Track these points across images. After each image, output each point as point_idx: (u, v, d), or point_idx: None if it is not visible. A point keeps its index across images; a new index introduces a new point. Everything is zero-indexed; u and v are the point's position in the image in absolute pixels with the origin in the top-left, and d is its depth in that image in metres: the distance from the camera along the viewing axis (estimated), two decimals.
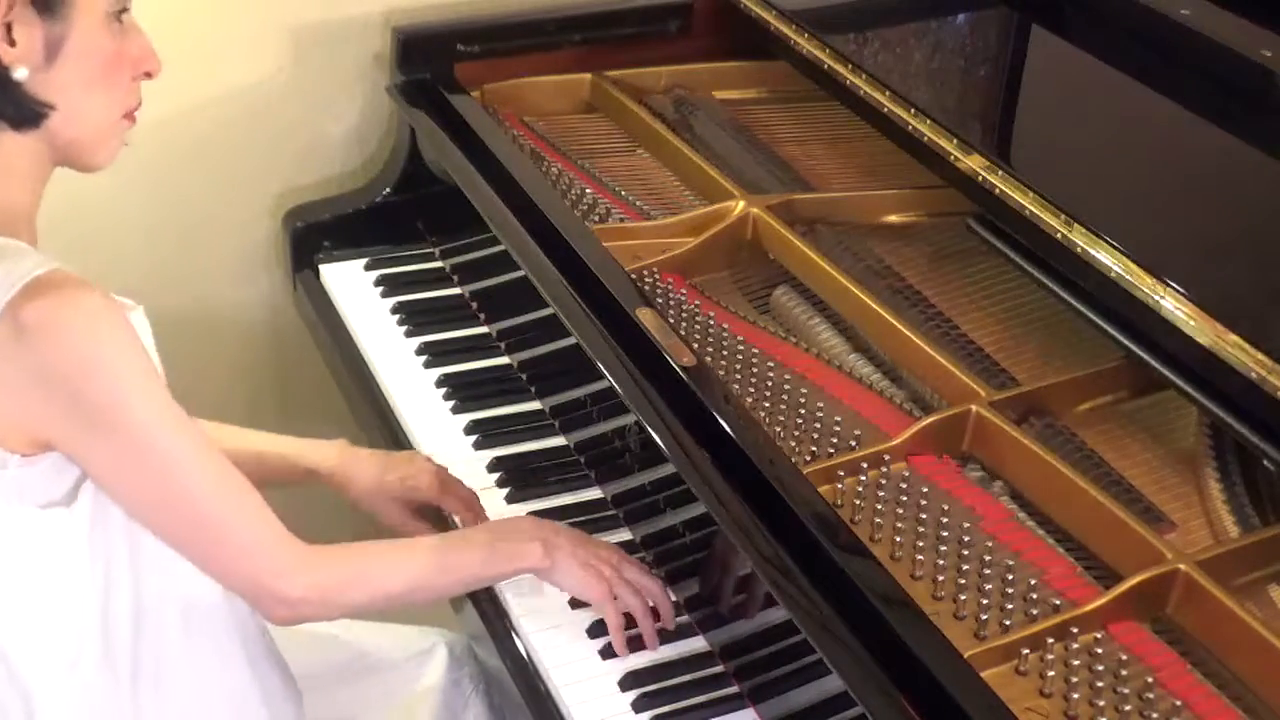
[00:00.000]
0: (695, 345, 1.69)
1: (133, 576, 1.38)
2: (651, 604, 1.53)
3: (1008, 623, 1.39)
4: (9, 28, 1.25)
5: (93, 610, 1.37)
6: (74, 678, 1.38)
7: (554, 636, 1.56)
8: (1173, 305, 1.47)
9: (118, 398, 1.27)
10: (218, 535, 1.34)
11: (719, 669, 1.53)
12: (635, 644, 1.54)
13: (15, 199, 1.34)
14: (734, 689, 1.50)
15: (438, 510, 1.70)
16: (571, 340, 1.72)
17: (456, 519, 1.68)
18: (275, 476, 1.65)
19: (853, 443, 1.58)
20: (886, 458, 1.55)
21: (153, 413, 1.29)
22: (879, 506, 1.50)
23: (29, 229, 1.36)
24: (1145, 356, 1.55)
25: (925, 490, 1.52)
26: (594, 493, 1.75)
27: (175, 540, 1.35)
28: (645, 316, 1.65)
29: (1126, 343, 1.57)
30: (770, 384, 1.68)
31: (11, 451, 1.29)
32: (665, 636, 1.55)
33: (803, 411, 1.64)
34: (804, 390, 1.67)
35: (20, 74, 1.27)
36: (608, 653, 1.53)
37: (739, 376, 1.69)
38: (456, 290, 2.10)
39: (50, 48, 1.28)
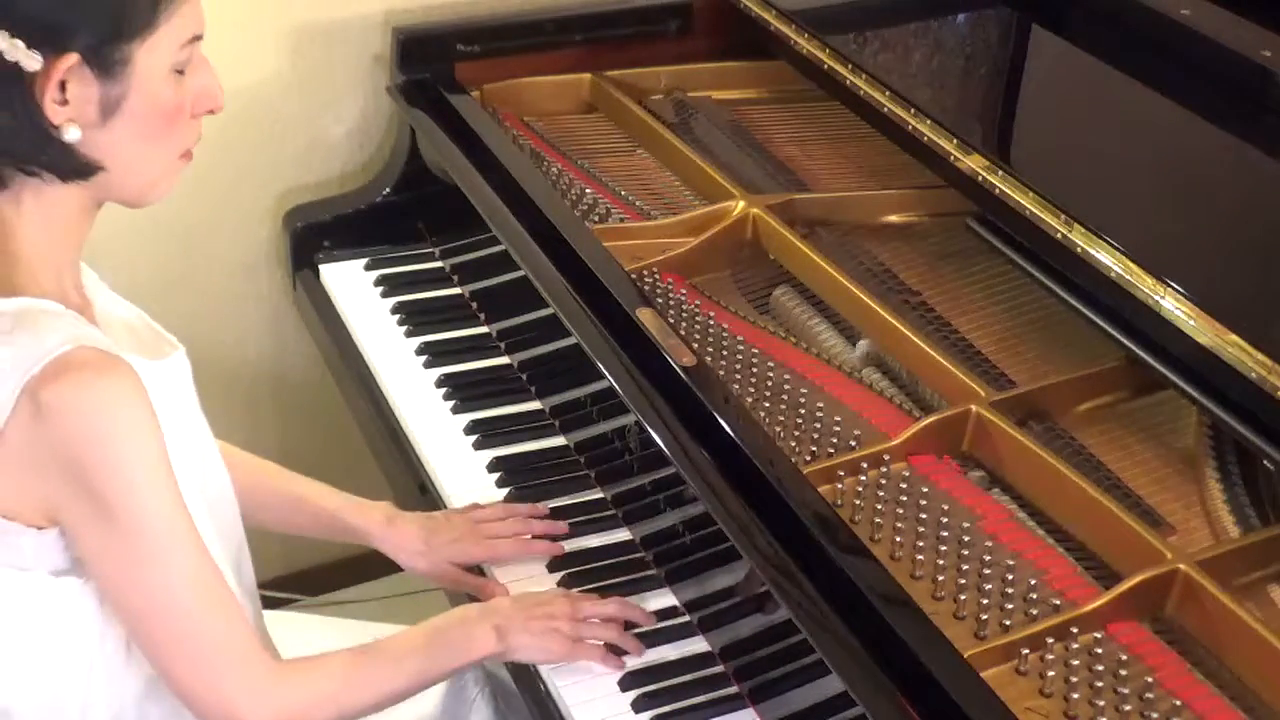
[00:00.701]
0: (695, 345, 1.69)
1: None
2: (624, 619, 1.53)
3: (1008, 623, 1.39)
4: (63, 86, 1.21)
5: (103, 679, 1.36)
6: None
7: None
8: (1173, 305, 1.47)
9: (121, 492, 1.24)
10: (196, 655, 1.30)
11: (719, 669, 1.52)
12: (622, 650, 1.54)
13: (61, 246, 1.31)
14: (734, 689, 1.50)
15: None
16: (571, 340, 1.72)
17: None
18: (311, 525, 1.65)
19: (853, 443, 1.58)
20: (886, 458, 1.55)
21: (154, 515, 1.26)
22: (879, 506, 1.50)
23: (72, 273, 1.33)
24: (1145, 356, 1.55)
25: (925, 490, 1.52)
26: (594, 493, 1.75)
27: (149, 647, 1.31)
28: (645, 316, 1.65)
29: (1126, 343, 1.57)
30: (770, 384, 1.68)
31: (26, 525, 1.27)
32: (665, 636, 1.55)
33: (803, 411, 1.64)
34: (804, 390, 1.67)
35: (72, 135, 1.23)
36: (608, 653, 1.53)
37: (739, 376, 1.69)
38: (456, 290, 2.10)
39: (106, 109, 1.24)
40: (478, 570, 1.66)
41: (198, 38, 1.29)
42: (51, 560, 1.30)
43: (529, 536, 1.67)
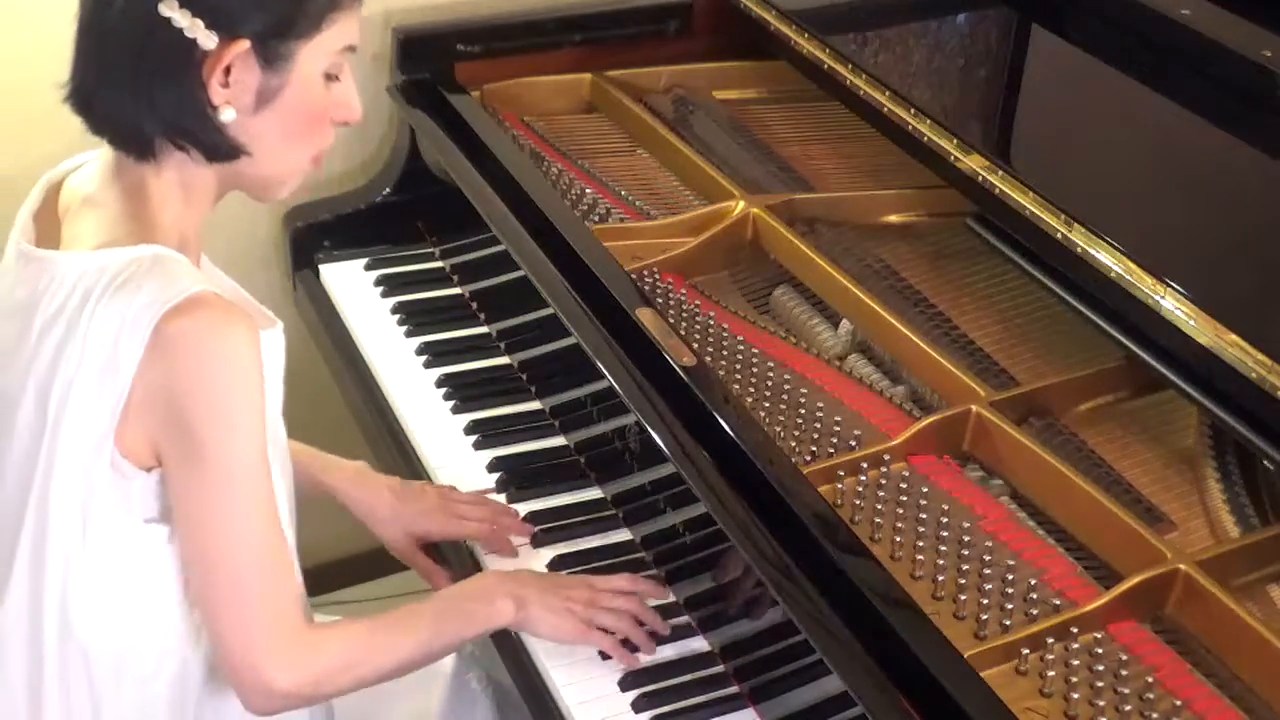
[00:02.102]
0: (695, 345, 1.69)
1: None
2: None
3: (1008, 623, 1.39)
4: (229, 70, 1.28)
5: (180, 629, 1.39)
6: (144, 692, 1.39)
7: None
8: (1173, 305, 1.47)
9: (217, 434, 1.28)
10: (240, 608, 1.33)
11: (719, 669, 1.53)
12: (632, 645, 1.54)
13: (187, 219, 1.37)
14: (734, 689, 1.50)
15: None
16: (571, 340, 1.72)
17: (479, 549, 1.67)
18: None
19: (853, 443, 1.58)
20: (886, 458, 1.55)
21: (240, 461, 1.29)
22: (879, 506, 1.51)
23: (195, 246, 1.39)
24: (1145, 356, 1.55)
25: (925, 490, 1.52)
26: (594, 493, 1.75)
27: (201, 590, 1.35)
28: (645, 316, 1.65)
29: (1126, 343, 1.57)
30: (770, 384, 1.68)
31: (138, 467, 1.31)
32: (665, 636, 1.55)
33: (803, 411, 1.64)
34: (804, 390, 1.67)
35: (228, 115, 1.30)
36: (620, 645, 1.53)
37: (739, 376, 1.69)
38: (456, 290, 2.10)
39: (262, 97, 1.31)
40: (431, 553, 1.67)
41: (351, 48, 1.36)
42: (148, 506, 1.34)
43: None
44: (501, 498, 1.74)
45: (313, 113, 1.35)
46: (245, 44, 1.27)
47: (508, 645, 1.58)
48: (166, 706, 1.41)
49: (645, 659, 1.52)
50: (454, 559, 1.69)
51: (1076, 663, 1.34)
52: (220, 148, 1.32)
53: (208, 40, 1.26)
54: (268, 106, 1.32)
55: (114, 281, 1.27)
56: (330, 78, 1.35)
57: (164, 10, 1.24)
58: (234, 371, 1.28)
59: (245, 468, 1.30)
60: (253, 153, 1.34)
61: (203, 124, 1.30)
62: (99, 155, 1.40)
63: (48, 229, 1.38)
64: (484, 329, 2.03)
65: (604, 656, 1.53)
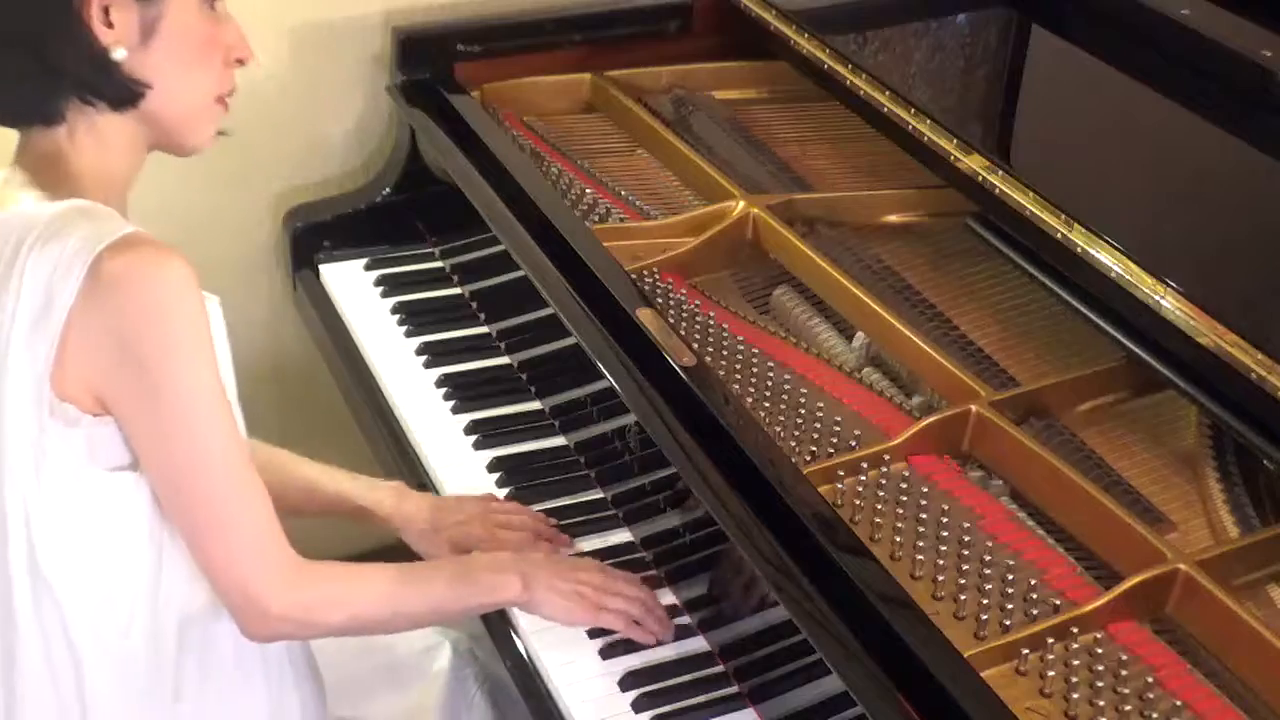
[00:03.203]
0: (695, 345, 1.69)
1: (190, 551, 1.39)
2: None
3: (1008, 623, 1.39)
4: (106, 10, 1.29)
5: (146, 580, 1.39)
6: (124, 646, 1.39)
7: (554, 636, 1.56)
8: (1173, 305, 1.47)
9: (168, 364, 1.29)
10: (221, 530, 1.34)
11: (719, 669, 1.53)
12: (632, 645, 1.54)
13: (113, 170, 1.38)
14: (734, 689, 1.50)
15: None
16: (571, 340, 1.72)
17: None
18: (324, 508, 1.66)
19: (853, 443, 1.58)
20: (886, 458, 1.55)
21: (196, 389, 1.30)
22: (879, 506, 1.50)
23: (121, 201, 1.40)
24: (1145, 356, 1.55)
25: (925, 490, 1.52)
26: (594, 493, 1.75)
27: (181, 524, 1.36)
28: (645, 316, 1.65)
29: (1126, 343, 1.57)
30: (770, 384, 1.68)
31: (83, 411, 1.31)
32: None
33: (803, 411, 1.64)
34: (804, 390, 1.67)
35: (119, 54, 1.31)
36: (608, 652, 1.53)
37: (739, 376, 1.69)
38: (456, 290, 2.10)
39: (145, 28, 1.32)
40: None
41: None
42: (108, 455, 1.34)
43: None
44: (502, 497, 1.74)
45: (200, 39, 1.37)
46: None
47: (508, 645, 1.59)
48: (145, 665, 1.40)
49: (640, 660, 1.52)
50: None
51: (1076, 663, 1.34)
52: (121, 90, 1.34)
53: None
54: (154, 37, 1.33)
55: (45, 232, 1.28)
56: (209, 3, 1.37)
57: None
58: (177, 303, 1.29)
59: (201, 394, 1.31)
60: (154, 85, 1.35)
61: (98, 68, 1.32)
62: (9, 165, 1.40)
63: None
64: (484, 329, 2.03)
65: (591, 635, 1.52)
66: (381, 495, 1.67)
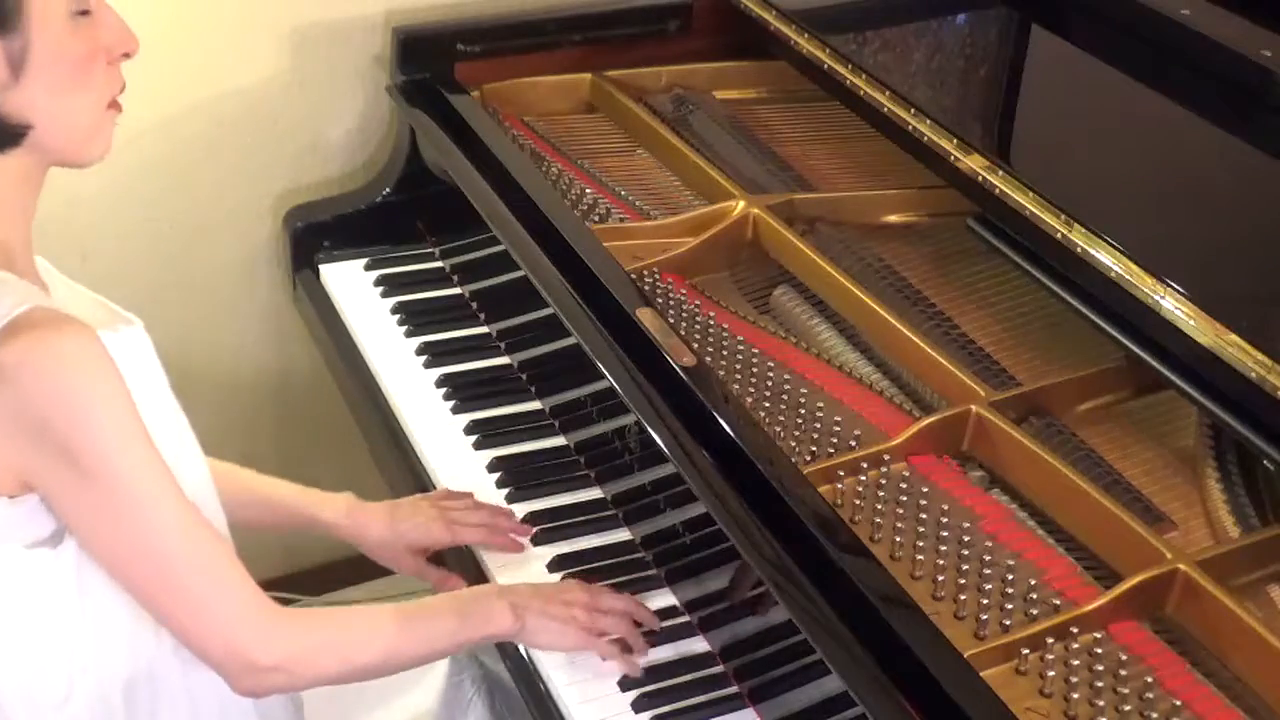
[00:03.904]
0: (695, 345, 1.69)
1: (128, 613, 1.35)
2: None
3: (1008, 623, 1.39)
4: None
5: (80, 649, 1.35)
6: (64, 714, 1.36)
7: None
8: (1173, 305, 1.47)
9: (94, 445, 1.23)
10: (190, 597, 1.29)
11: (719, 669, 1.53)
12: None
13: (6, 210, 1.30)
14: (734, 689, 1.50)
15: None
16: (571, 340, 1.72)
17: (480, 552, 1.66)
18: (284, 523, 1.65)
19: (853, 443, 1.58)
20: (886, 458, 1.55)
21: (130, 463, 1.25)
22: (879, 506, 1.50)
23: (23, 250, 1.32)
24: (1145, 356, 1.55)
25: (925, 490, 1.52)
26: (594, 493, 1.75)
27: (145, 598, 1.31)
28: (645, 316, 1.65)
29: (1126, 343, 1.57)
30: (770, 384, 1.68)
31: (2, 495, 1.27)
32: (665, 636, 1.55)
33: (803, 411, 1.64)
34: (804, 390, 1.67)
35: None
36: (622, 651, 1.53)
37: (739, 376, 1.69)
38: (456, 290, 2.10)
39: (13, 64, 1.22)
40: (438, 562, 1.65)
41: None
42: (25, 532, 1.30)
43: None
44: (501, 497, 1.74)
45: (76, 58, 1.25)
46: None
47: (508, 645, 1.58)
48: None
49: (642, 660, 1.52)
50: (455, 564, 1.69)
51: (1076, 663, 1.34)
52: (1, 133, 1.25)
53: None
54: (25, 71, 1.22)
55: None
56: (80, 14, 1.25)
57: None
58: (86, 381, 1.22)
59: (133, 468, 1.25)
60: (34, 124, 1.25)
61: None
62: None
63: None
64: (484, 329, 2.03)
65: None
66: (335, 509, 1.65)
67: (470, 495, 1.71)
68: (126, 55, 1.31)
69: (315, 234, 2.20)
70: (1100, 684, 1.33)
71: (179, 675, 1.39)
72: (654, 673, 1.51)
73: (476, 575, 1.66)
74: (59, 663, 1.35)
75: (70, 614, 1.34)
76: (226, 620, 1.31)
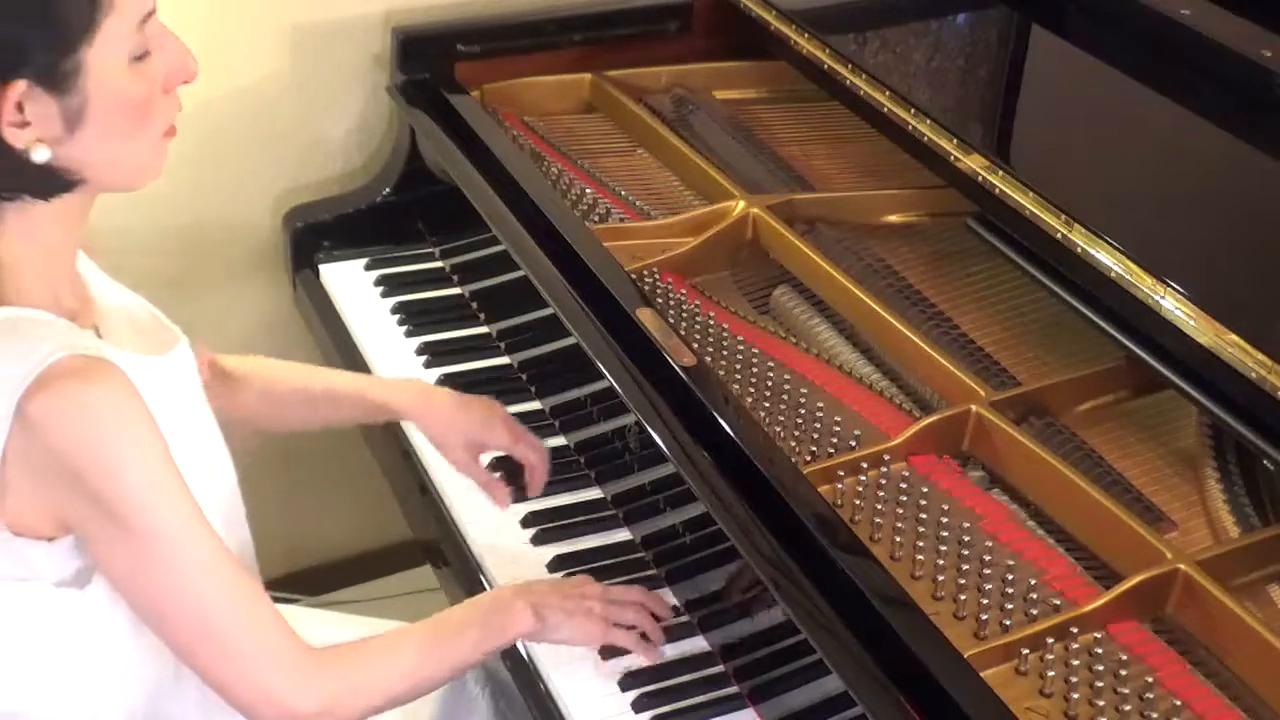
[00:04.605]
0: (695, 345, 1.69)
1: (152, 657, 1.35)
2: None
3: (1008, 623, 1.39)
4: (20, 107, 1.17)
5: (113, 687, 1.35)
6: None
7: None
8: (1173, 305, 1.47)
9: (124, 494, 1.21)
10: (227, 647, 1.28)
11: (719, 669, 1.53)
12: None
13: (44, 259, 1.28)
14: (734, 689, 1.50)
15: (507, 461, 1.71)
16: (571, 340, 1.72)
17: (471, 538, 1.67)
18: (346, 412, 1.66)
19: (853, 443, 1.58)
20: (886, 458, 1.55)
21: (164, 513, 1.24)
22: (879, 506, 1.50)
23: (67, 279, 1.32)
24: (1145, 356, 1.55)
25: (925, 490, 1.52)
26: (594, 493, 1.75)
27: (180, 646, 1.30)
28: (645, 316, 1.65)
29: (1126, 343, 1.57)
30: (770, 384, 1.68)
31: (36, 538, 1.26)
32: (665, 636, 1.55)
33: (803, 411, 1.64)
34: (804, 390, 1.67)
35: (40, 156, 1.19)
36: (608, 652, 1.53)
37: (739, 376, 1.69)
38: (456, 290, 2.10)
39: (69, 119, 1.20)
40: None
41: (150, 15, 1.22)
42: (55, 571, 1.29)
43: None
44: None
45: (135, 105, 1.22)
46: (21, 84, 1.16)
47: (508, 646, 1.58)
48: None
49: (638, 661, 1.52)
50: (459, 566, 1.69)
51: (1076, 663, 1.34)
52: (48, 184, 1.22)
53: None
54: (81, 126, 1.20)
55: None
56: (139, 59, 1.22)
57: None
58: (114, 432, 1.21)
59: (166, 515, 1.24)
60: (88, 176, 1.24)
61: (17, 171, 1.20)
62: None
63: None
64: (484, 329, 2.03)
65: (602, 652, 1.53)
66: (403, 388, 1.67)
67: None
68: (185, 81, 1.28)
69: (315, 234, 2.20)
70: (1100, 684, 1.33)
71: (196, 713, 1.39)
72: (654, 673, 1.51)
73: (474, 584, 1.66)
74: (87, 699, 1.35)
75: (98, 652, 1.34)
76: (264, 670, 1.29)
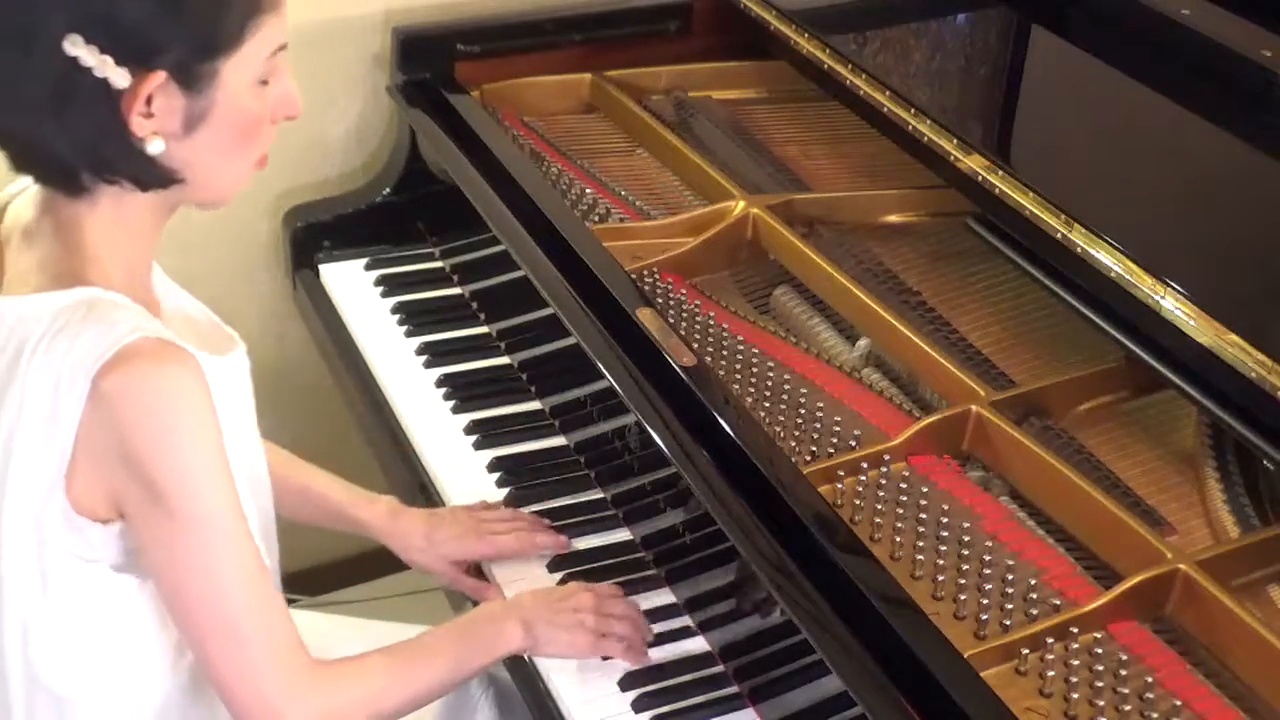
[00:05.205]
0: (695, 345, 1.69)
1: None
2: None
3: (1008, 623, 1.39)
4: (150, 99, 1.22)
5: (155, 677, 1.37)
6: None
7: None
8: (1173, 305, 1.47)
9: (177, 480, 1.24)
10: (239, 645, 1.30)
11: (719, 669, 1.53)
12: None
13: (130, 250, 1.32)
14: (734, 689, 1.50)
15: None
16: (571, 340, 1.72)
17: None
18: (320, 518, 1.66)
19: (853, 443, 1.58)
20: (886, 458, 1.55)
21: (210, 504, 1.26)
22: (879, 506, 1.50)
23: (144, 272, 1.35)
24: (1145, 356, 1.55)
25: (925, 490, 1.52)
26: (594, 493, 1.75)
27: (194, 637, 1.32)
28: (645, 316, 1.65)
29: (1126, 343, 1.57)
30: (770, 384, 1.68)
31: (94, 520, 1.28)
32: (665, 636, 1.55)
33: (803, 411, 1.64)
34: (804, 390, 1.67)
35: (155, 148, 1.24)
36: (630, 647, 1.53)
37: (739, 376, 1.69)
38: (456, 290, 2.10)
39: (190, 120, 1.25)
40: (477, 571, 1.66)
41: (282, 48, 1.30)
42: (113, 554, 1.31)
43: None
44: (501, 497, 1.74)
45: (247, 124, 1.29)
46: (161, 75, 1.21)
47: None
48: None
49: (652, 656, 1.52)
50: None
51: (1076, 663, 1.34)
52: (152, 177, 1.27)
53: (119, 79, 1.19)
54: (198, 128, 1.26)
55: (49, 331, 1.24)
56: (263, 84, 1.29)
57: (69, 49, 1.18)
58: (180, 417, 1.24)
59: (213, 511, 1.26)
60: (189, 178, 1.29)
61: (129, 157, 1.24)
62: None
63: None
64: (484, 329, 2.03)
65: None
66: (375, 511, 1.66)
67: (505, 508, 1.71)
68: (289, 118, 1.34)
69: (315, 234, 2.20)
70: (1100, 684, 1.33)
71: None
72: (654, 673, 1.51)
73: (476, 571, 1.66)
74: (128, 687, 1.36)
75: (147, 640, 1.36)
76: (267, 675, 1.31)
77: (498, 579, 1.64)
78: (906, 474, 1.55)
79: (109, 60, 1.19)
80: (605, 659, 1.52)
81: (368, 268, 2.15)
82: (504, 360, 1.97)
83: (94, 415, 1.23)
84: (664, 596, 1.60)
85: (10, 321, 1.27)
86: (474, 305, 2.06)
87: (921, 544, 1.47)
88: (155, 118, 1.23)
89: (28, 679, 1.34)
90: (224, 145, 1.29)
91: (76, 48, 1.18)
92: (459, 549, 1.64)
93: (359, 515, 1.66)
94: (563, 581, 1.61)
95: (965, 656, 1.30)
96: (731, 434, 1.50)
